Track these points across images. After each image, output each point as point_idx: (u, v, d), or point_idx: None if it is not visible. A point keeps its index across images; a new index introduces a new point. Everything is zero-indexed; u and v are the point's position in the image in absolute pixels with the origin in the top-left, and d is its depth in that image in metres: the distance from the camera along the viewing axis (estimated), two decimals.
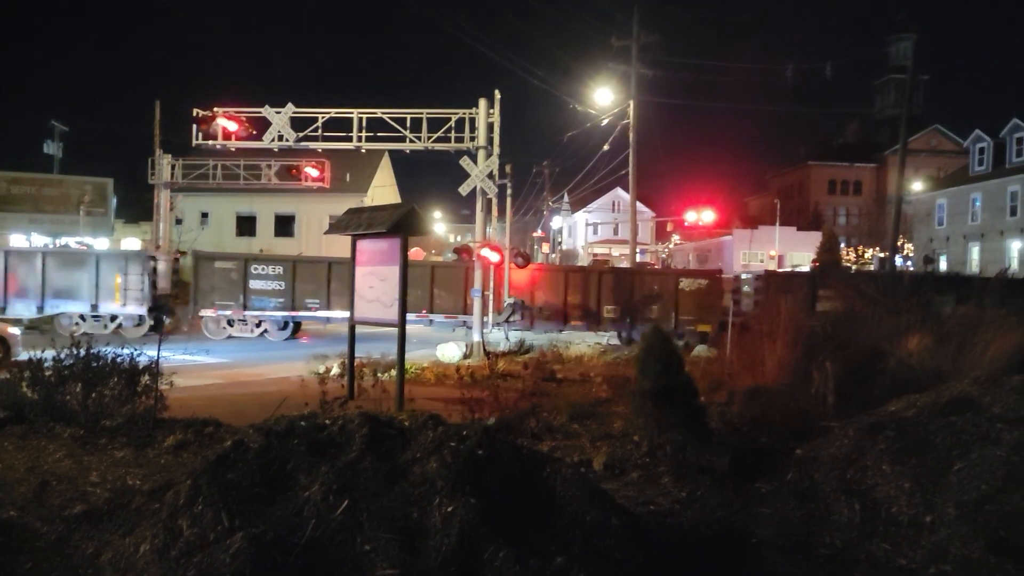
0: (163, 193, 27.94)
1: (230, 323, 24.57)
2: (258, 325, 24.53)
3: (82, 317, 24.72)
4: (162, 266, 26.00)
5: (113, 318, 24.74)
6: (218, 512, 4.32)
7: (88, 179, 40.19)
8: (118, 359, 9.18)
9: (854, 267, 51.75)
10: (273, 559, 3.96)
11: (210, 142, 23.32)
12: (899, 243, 37.57)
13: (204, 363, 17.59)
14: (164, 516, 4.48)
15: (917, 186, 55.85)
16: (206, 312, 24.45)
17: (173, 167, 27.96)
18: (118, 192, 41.77)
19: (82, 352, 9.07)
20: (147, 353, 9.52)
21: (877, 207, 69.53)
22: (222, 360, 18.99)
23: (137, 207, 53.33)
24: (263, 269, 24.55)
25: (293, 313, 24.41)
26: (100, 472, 6.96)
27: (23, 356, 10.77)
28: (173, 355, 11.22)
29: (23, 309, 24.49)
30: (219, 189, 34.81)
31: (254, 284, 24.34)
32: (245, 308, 24.31)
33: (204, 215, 47.68)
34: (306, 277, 24.49)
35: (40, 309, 24.62)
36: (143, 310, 24.63)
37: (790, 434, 8.33)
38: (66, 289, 24.63)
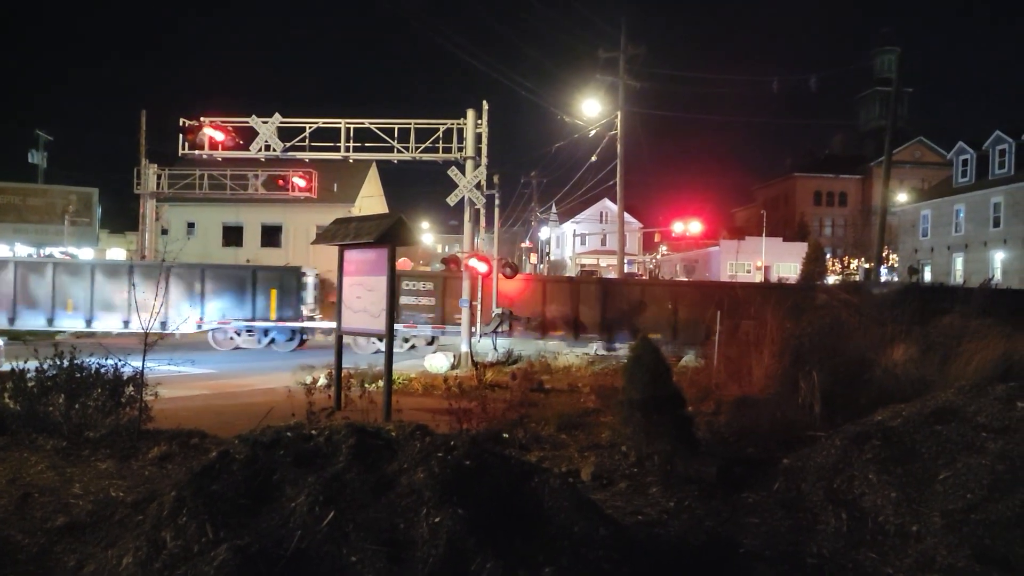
0: (149, 203, 27.83)
1: (379, 338, 24.20)
2: (406, 340, 24.32)
3: (237, 332, 24.70)
4: (310, 281, 26.16)
5: (266, 332, 24.63)
6: (202, 524, 4.27)
7: (73, 189, 39.99)
8: (102, 370, 9.10)
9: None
10: (258, 571, 3.92)
11: (196, 152, 23.25)
12: (884, 254, 37.83)
13: (190, 374, 17.47)
14: (147, 528, 4.43)
15: (902, 197, 56.38)
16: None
17: (159, 177, 27.87)
18: (103, 202, 41.61)
19: (65, 363, 8.99)
20: (132, 363, 9.44)
21: (862, 218, 70.17)
22: (208, 371, 18.88)
23: (123, 217, 53.16)
24: (414, 284, 24.45)
25: (442, 327, 24.18)
26: (83, 484, 6.88)
27: (5, 367, 10.67)
28: (158, 365, 11.13)
29: (183, 325, 24.59)
30: (205, 199, 34.71)
31: (405, 299, 24.08)
32: (396, 323, 23.99)
33: (190, 225, 47.48)
34: (455, 292, 24.27)
35: (200, 325, 24.76)
36: (296, 324, 24.69)
37: (777, 444, 8.35)
38: (224, 304, 24.66)
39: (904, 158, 71.06)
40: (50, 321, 25.01)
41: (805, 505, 6.32)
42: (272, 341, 24.50)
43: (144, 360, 9.32)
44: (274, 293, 24.52)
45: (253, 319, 24.60)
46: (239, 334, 24.64)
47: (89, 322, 24.92)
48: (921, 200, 52.59)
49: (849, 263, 65.33)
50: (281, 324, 24.51)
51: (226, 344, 24.47)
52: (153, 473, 7.44)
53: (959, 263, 45.98)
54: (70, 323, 24.94)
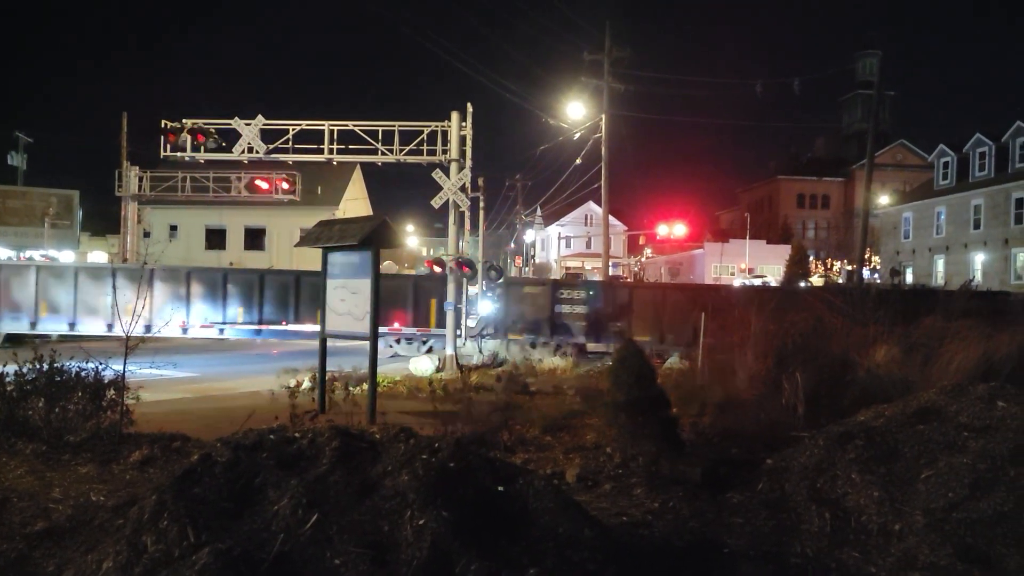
0: (130, 206, 27.56)
1: (532, 346, 23.82)
2: (557, 348, 24.10)
3: (397, 340, 24.70)
4: (470, 290, 26.07)
5: (425, 340, 24.57)
6: (184, 527, 4.23)
7: (53, 191, 39.56)
8: (82, 373, 9.00)
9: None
10: (240, 574, 3.89)
11: (179, 154, 23.04)
12: (866, 256, 38.13)
13: (173, 377, 17.34)
14: (128, 532, 4.38)
15: (884, 200, 56.87)
16: (513, 337, 23.90)
17: (141, 179, 27.60)
18: (84, 204, 41.19)
19: (45, 366, 8.89)
20: (113, 367, 9.35)
21: (845, 220, 70.76)
22: (191, 374, 18.74)
23: (104, 220, 52.68)
24: (569, 294, 24.17)
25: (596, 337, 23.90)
26: (63, 488, 6.81)
27: None
28: (140, 369, 11.03)
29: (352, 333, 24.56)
30: (188, 202, 34.39)
31: (560, 308, 23.77)
32: (553, 333, 23.69)
33: (173, 228, 47.15)
34: (608, 301, 24.00)
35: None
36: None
37: (761, 444, 8.38)
38: (385, 313, 24.56)
39: (886, 161, 71.68)
40: (109, 327, 24.63)
41: (789, 505, 6.35)
42: (430, 350, 24.32)
43: (125, 363, 9.23)
44: (433, 303, 24.39)
45: (416, 327, 24.56)
46: (398, 342, 24.51)
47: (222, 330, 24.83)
48: (903, 202, 53.07)
49: (832, 265, 65.78)
50: (440, 332, 24.29)
51: (385, 352, 24.33)
52: (134, 477, 7.37)
53: (940, 265, 46.40)
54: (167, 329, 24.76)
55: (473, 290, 26.56)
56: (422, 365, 19.39)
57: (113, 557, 4.25)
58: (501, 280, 25.12)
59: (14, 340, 23.86)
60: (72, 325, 24.41)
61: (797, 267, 54.65)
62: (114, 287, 23.62)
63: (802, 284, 37.26)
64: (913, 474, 6.16)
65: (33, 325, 24.54)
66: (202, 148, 22.85)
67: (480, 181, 31.39)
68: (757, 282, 45.49)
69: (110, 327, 23.54)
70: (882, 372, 10.03)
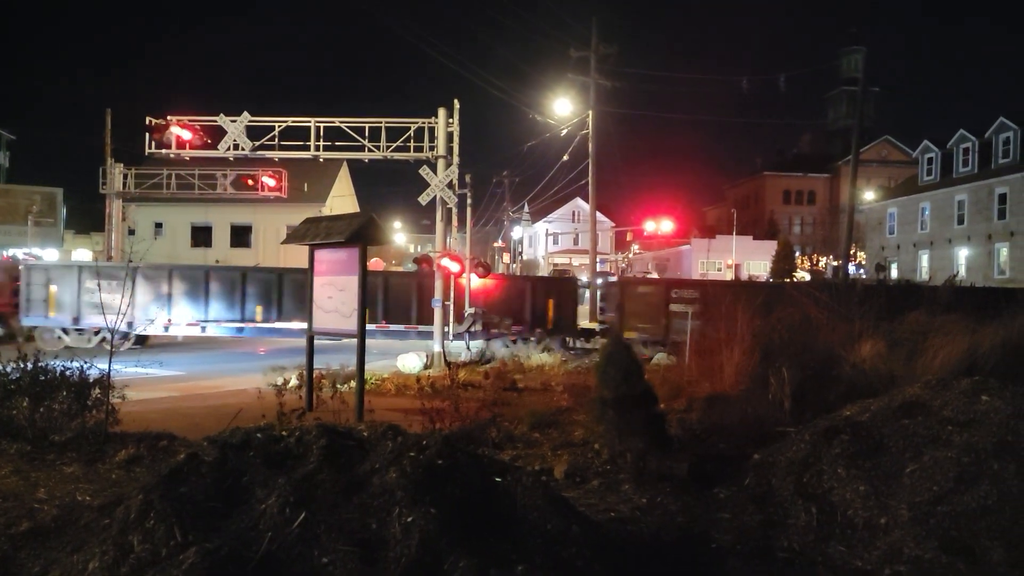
0: (115, 203, 27.35)
1: (644, 345, 23.56)
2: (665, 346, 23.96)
3: (513, 340, 24.87)
4: (585, 290, 26.57)
5: (539, 340, 24.82)
6: (171, 527, 4.21)
7: (37, 189, 39.28)
8: (67, 372, 8.94)
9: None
10: (227, 574, 3.87)
11: (164, 151, 22.89)
12: (852, 251, 38.36)
13: (159, 376, 17.24)
14: (114, 532, 4.35)
15: (869, 195, 57.17)
16: (629, 335, 23.51)
17: (125, 176, 27.40)
18: (68, 202, 40.95)
19: (29, 365, 8.82)
20: (98, 366, 9.29)
21: (830, 216, 71.20)
22: (177, 373, 18.64)
23: (88, 217, 52.32)
24: (680, 293, 24.13)
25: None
26: (48, 488, 6.76)
27: None
28: (125, 367, 10.97)
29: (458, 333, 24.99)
30: (173, 199, 34.19)
31: (673, 307, 23.52)
32: (667, 332, 23.52)
33: (158, 225, 46.89)
34: (716, 299, 23.80)
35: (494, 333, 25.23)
36: (567, 333, 24.96)
37: (748, 440, 8.41)
38: (501, 313, 24.97)
39: (871, 157, 72.17)
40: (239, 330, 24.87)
41: (775, 500, 6.38)
42: (546, 348, 24.33)
43: (110, 362, 9.17)
44: (551, 303, 24.62)
45: (532, 327, 24.66)
46: (515, 342, 24.51)
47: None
48: (888, 198, 53.40)
49: (818, 261, 66.19)
50: (556, 332, 24.46)
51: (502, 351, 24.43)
52: (120, 476, 7.32)
53: (925, 260, 46.75)
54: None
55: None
56: (410, 362, 19.34)
57: (99, 557, 4.22)
58: (487, 276, 25.13)
59: (143, 342, 24.86)
60: (204, 328, 24.60)
61: (783, 263, 54.94)
62: (244, 291, 24.42)
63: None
64: (898, 468, 6.21)
65: (167, 328, 24.72)
66: (187, 145, 22.71)
67: (467, 178, 31.33)
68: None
69: (240, 330, 24.43)
70: (867, 367, 10.08)
